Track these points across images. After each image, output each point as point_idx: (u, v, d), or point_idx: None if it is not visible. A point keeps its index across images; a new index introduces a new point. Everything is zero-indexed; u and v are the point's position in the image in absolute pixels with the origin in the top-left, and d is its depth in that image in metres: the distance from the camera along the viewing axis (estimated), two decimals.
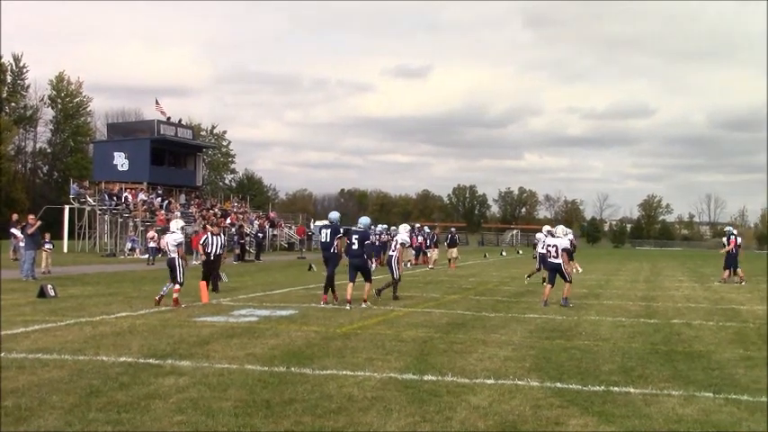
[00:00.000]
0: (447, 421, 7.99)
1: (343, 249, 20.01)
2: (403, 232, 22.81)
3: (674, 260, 60.93)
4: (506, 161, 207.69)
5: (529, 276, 28.93)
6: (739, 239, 31.84)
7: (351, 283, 19.30)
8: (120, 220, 53.91)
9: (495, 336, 14.31)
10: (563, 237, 20.31)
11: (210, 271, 21.32)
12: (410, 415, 8.20)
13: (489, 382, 9.97)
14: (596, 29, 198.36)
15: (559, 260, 19.96)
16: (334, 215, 20.57)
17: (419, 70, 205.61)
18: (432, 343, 13.24)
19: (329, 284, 19.93)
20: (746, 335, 15.31)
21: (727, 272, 31.11)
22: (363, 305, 19.08)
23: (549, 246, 20.65)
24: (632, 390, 9.70)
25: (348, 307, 18.63)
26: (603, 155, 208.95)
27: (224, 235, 23.54)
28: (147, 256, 43.25)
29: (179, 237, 18.78)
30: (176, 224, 19.20)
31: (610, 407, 8.76)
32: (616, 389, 9.71)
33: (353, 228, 19.74)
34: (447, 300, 20.73)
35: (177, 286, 18.50)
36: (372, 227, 23.18)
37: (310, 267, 35.33)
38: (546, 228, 23.38)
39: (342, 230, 20.06)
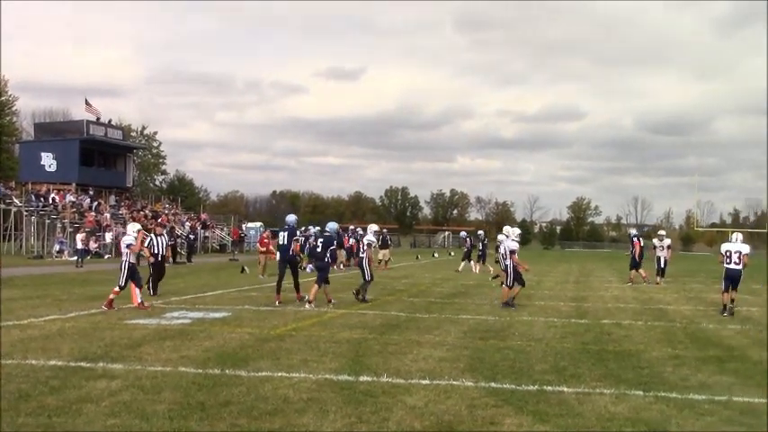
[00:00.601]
0: (383, 422, 8.01)
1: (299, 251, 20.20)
2: (370, 233, 22.86)
3: (603, 261, 61.90)
4: (439, 163, 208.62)
5: (494, 278, 29.17)
6: (642, 241, 32.79)
7: (315, 285, 19.57)
8: (47, 221, 52.90)
9: (430, 336, 14.38)
10: (507, 237, 20.68)
11: (158, 273, 21.28)
12: (346, 416, 8.19)
13: (424, 382, 10.02)
14: (528, 33, 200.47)
15: (508, 261, 20.27)
16: (292, 218, 20.86)
17: (352, 72, 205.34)
18: (366, 344, 13.25)
19: (279, 284, 20.38)
20: (674, 334, 15.62)
21: (633, 272, 31.79)
22: (307, 306, 19.16)
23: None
24: (565, 389, 9.82)
25: (307, 307, 18.99)
26: (535, 157, 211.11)
27: (167, 236, 23.38)
28: (75, 258, 42.51)
29: (129, 239, 18.72)
30: (132, 227, 19.13)
31: (543, 406, 8.86)
32: (549, 388, 9.83)
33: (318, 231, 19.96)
34: (381, 301, 20.76)
35: (116, 288, 18.37)
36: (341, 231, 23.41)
37: (243, 269, 35.09)
38: (506, 228, 23.66)
39: (298, 233, 20.25)
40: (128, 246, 18.66)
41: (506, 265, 20.37)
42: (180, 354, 11.86)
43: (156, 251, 20.65)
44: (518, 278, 20.25)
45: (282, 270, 20.50)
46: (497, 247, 23.43)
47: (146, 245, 20.56)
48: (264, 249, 32.62)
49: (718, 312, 19.75)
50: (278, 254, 21.42)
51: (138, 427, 7.62)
